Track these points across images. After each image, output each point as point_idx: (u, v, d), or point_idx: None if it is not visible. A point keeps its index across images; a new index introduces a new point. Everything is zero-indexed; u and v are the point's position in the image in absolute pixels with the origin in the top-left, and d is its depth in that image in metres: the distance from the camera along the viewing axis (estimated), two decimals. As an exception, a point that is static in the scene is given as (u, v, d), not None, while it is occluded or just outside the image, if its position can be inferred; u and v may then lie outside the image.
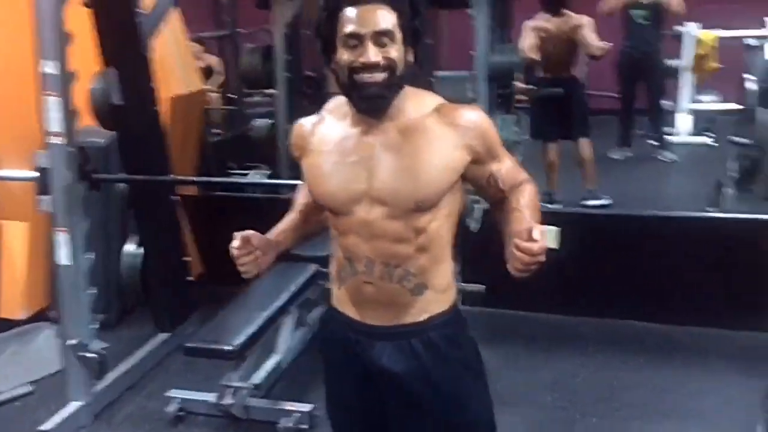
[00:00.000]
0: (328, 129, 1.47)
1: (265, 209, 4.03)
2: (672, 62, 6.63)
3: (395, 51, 1.35)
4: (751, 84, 4.36)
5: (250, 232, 1.51)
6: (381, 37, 1.33)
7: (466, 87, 3.00)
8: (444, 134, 1.39)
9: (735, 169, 4.37)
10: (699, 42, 5.12)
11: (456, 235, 1.49)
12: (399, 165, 1.38)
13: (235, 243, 1.47)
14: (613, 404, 2.87)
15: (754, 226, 3.51)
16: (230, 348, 2.64)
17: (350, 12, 1.34)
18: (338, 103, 1.48)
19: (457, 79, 2.96)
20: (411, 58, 1.39)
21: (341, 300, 1.53)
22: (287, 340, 3.17)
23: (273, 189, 4.56)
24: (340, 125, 1.45)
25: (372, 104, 1.38)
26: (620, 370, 3.12)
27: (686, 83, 6.64)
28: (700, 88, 6.76)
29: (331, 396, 1.65)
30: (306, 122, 1.53)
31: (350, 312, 1.50)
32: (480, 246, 3.17)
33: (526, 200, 1.44)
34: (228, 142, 5.44)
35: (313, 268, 3.31)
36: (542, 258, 1.26)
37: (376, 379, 1.49)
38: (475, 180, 1.46)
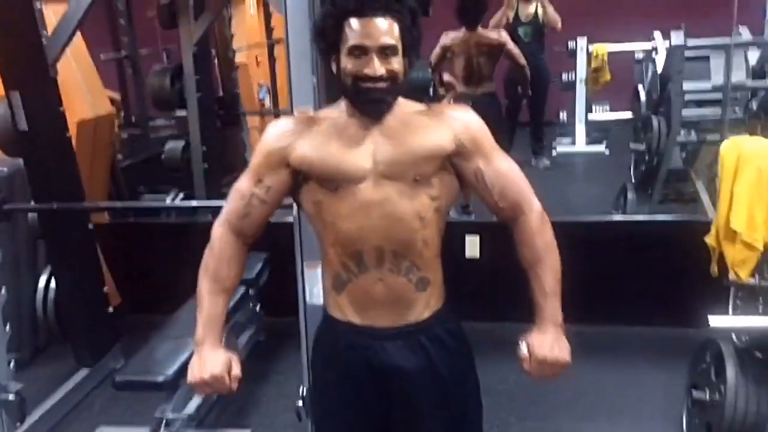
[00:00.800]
0: (327, 122, 1.51)
1: (180, 234, 3.93)
2: (567, 76, 6.99)
3: (397, 63, 1.42)
4: (644, 94, 4.65)
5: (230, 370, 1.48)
6: (385, 50, 1.40)
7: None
8: (434, 123, 1.49)
9: (635, 174, 4.64)
10: (593, 56, 5.44)
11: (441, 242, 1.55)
12: (398, 144, 1.46)
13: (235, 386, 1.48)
14: (545, 406, 2.98)
15: (656, 226, 3.76)
16: (163, 379, 2.55)
17: (356, 24, 1.39)
18: (332, 107, 1.55)
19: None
20: (407, 66, 1.46)
21: (342, 306, 1.54)
22: (218, 366, 3.08)
23: (188, 213, 4.46)
24: (339, 119, 1.50)
25: (374, 107, 1.45)
26: (547, 372, 3.23)
27: (582, 96, 6.99)
28: (593, 99, 7.14)
29: (327, 412, 1.65)
30: (298, 117, 1.58)
31: (353, 317, 1.53)
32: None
33: (539, 253, 1.50)
34: (137, 166, 5.25)
35: (241, 290, 3.25)
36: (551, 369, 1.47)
37: (384, 381, 1.53)
38: (462, 175, 1.50)
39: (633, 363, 3.27)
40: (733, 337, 2.43)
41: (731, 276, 2.30)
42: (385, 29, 1.39)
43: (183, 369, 2.62)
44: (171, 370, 2.59)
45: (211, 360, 1.44)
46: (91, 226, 3.33)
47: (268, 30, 7.01)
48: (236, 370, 1.45)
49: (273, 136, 1.53)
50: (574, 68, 7.02)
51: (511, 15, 6.25)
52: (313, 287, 2.39)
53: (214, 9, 4.60)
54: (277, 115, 7.09)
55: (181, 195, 4.62)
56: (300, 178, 1.52)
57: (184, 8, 4.35)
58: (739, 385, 2.28)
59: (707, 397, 2.45)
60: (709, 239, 2.47)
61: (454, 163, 1.49)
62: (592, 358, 3.32)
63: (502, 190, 1.49)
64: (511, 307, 3.76)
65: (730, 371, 2.30)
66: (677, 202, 5.07)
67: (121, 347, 3.49)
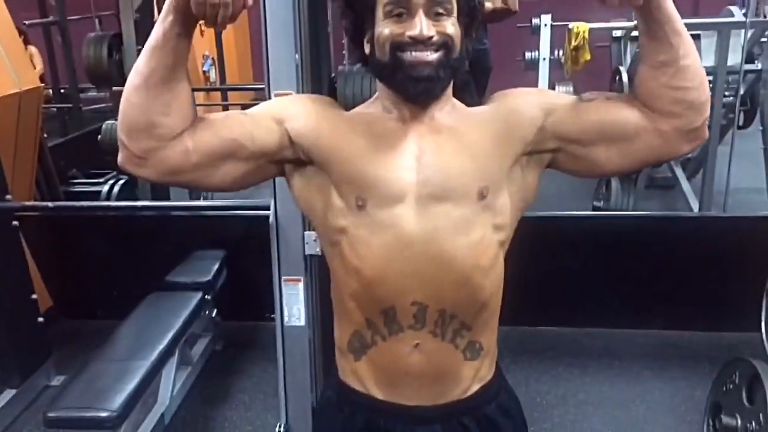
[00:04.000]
0: (353, 113, 1.13)
1: (121, 226, 3.46)
2: (530, 54, 6.68)
3: (452, 26, 1.04)
4: (626, 76, 4.38)
5: None
6: (435, 7, 1.02)
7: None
8: (505, 113, 1.10)
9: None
10: (573, 34, 5.14)
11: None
12: (453, 146, 1.07)
13: None
14: (545, 424, 2.68)
15: (647, 221, 3.49)
16: (108, 414, 2.10)
17: None
18: (365, 104, 1.16)
19: (363, 75, 2.58)
20: (464, 38, 1.08)
21: (361, 376, 1.14)
22: (170, 386, 2.66)
23: (131, 200, 3.98)
24: (370, 111, 1.12)
25: (422, 88, 1.05)
26: (541, 383, 2.93)
27: (545, 75, 6.70)
28: (556, 80, 6.87)
29: None
30: (322, 97, 1.21)
31: (375, 391, 1.13)
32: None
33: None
34: (69, 145, 4.69)
35: (197, 297, 2.82)
36: None
37: None
38: (573, 122, 1.08)
39: (641, 373, 2.97)
40: (769, 356, 2.16)
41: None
42: None
43: (133, 398, 2.22)
44: (118, 401, 2.15)
45: None
46: (16, 222, 2.82)
47: (214, -4, 6.48)
48: None
49: (283, 98, 1.23)
50: (538, 46, 6.74)
51: None
52: (293, 306, 2.00)
53: (157, -30, 4.07)
54: (224, 90, 6.59)
55: (121, 180, 4.11)
56: (303, 172, 1.10)
57: (123, -32, 3.82)
58: (782, 414, 2.01)
59: (738, 424, 2.17)
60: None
61: (551, 126, 1.09)
62: (596, 366, 3.05)
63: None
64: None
65: (773, 399, 2.02)
66: (652, 188, 4.88)
67: (55, 361, 3.02)
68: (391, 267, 1.05)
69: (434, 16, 1.02)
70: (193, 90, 4.53)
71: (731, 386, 2.26)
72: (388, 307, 1.07)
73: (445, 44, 1.03)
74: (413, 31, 1.01)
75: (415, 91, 1.05)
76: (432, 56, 1.02)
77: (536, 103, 1.10)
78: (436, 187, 1.04)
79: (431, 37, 1.01)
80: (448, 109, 1.10)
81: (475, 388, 1.13)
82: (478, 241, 1.06)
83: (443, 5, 1.02)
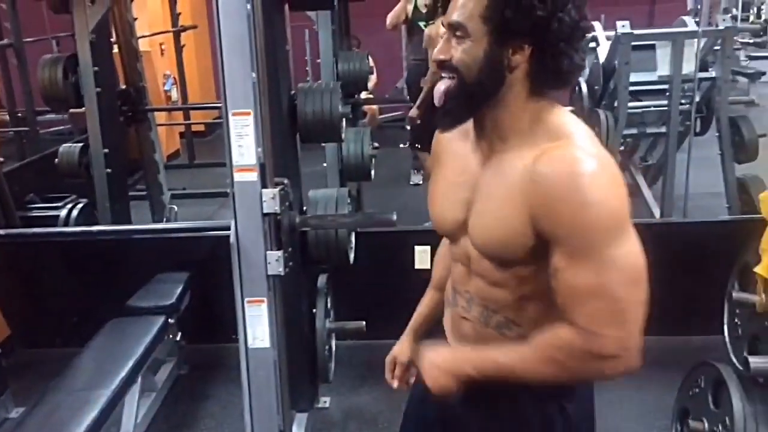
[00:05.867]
0: (458, 140, 1.21)
1: (80, 251, 3.38)
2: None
3: (467, 48, 1.04)
4: (585, 86, 4.44)
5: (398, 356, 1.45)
6: (455, 30, 1.05)
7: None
8: (519, 183, 1.05)
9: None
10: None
11: None
12: (486, 204, 1.13)
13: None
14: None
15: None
16: (68, 447, 2.05)
17: None
18: None
19: (323, 92, 2.55)
20: (518, 58, 1.03)
21: (445, 325, 1.34)
22: (133, 414, 2.58)
23: (91, 224, 3.89)
24: (467, 138, 1.19)
25: (439, 120, 1.14)
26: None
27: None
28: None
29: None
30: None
31: (450, 340, 1.32)
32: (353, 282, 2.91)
33: (540, 343, 1.08)
34: (26, 169, 4.59)
35: (160, 321, 2.76)
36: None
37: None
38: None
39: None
40: (733, 359, 2.19)
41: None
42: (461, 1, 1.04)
43: (93, 428, 2.16)
44: (76, 434, 2.09)
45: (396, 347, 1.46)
46: (-32, 251, 2.74)
47: (174, 15, 6.43)
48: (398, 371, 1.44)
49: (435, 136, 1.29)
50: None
51: (410, 8, 5.37)
52: (257, 328, 1.96)
53: (113, -10, 4.01)
54: (186, 110, 6.52)
55: (80, 204, 4.01)
56: None
57: (78, -11, 3.75)
58: (748, 417, 2.02)
59: (705, 427, 2.19)
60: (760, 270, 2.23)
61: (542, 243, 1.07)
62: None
63: (562, 303, 1.05)
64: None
65: (737, 403, 2.03)
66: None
67: (13, 392, 2.92)
68: (458, 261, 1.23)
69: (455, 38, 1.05)
70: (154, 110, 4.46)
71: (697, 390, 2.28)
72: (455, 287, 1.26)
73: (455, 70, 1.05)
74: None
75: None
76: (444, 84, 1.06)
77: (535, 218, 1.04)
78: (470, 233, 1.16)
79: (443, 62, 1.05)
80: (506, 153, 1.09)
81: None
82: (514, 269, 1.12)
83: (460, 30, 1.04)
